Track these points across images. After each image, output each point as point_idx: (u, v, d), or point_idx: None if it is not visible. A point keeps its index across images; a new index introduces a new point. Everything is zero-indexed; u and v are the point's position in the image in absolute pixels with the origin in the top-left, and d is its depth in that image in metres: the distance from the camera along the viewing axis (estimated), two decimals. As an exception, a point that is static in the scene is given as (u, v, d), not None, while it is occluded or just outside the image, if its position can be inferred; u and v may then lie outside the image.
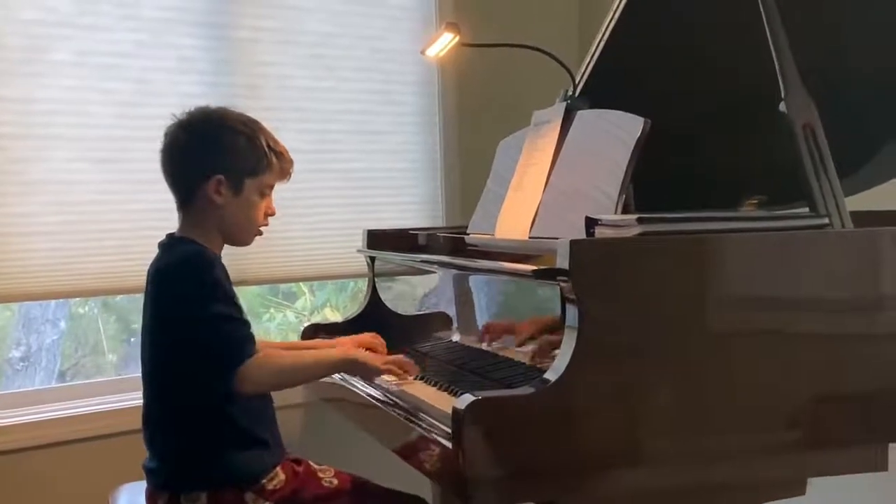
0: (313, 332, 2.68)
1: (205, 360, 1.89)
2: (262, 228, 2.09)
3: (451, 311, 2.39)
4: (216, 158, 2.00)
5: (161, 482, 1.96)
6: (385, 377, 2.11)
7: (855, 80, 2.17)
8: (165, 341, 1.96)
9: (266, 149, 2.03)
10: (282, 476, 1.98)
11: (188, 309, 1.91)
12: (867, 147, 2.21)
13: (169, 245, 2.04)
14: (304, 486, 2.01)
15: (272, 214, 2.09)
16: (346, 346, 2.22)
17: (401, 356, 2.14)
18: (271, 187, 2.07)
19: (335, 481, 2.06)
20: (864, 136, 2.19)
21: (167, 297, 1.96)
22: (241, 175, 2.00)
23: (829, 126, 1.89)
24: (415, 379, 2.11)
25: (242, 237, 2.08)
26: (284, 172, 2.08)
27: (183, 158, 2.02)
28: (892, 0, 2.15)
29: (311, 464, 2.08)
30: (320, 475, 2.06)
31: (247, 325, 1.96)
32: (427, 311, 2.57)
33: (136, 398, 2.71)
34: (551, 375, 1.60)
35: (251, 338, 1.94)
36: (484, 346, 2.19)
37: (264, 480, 1.95)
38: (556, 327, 1.71)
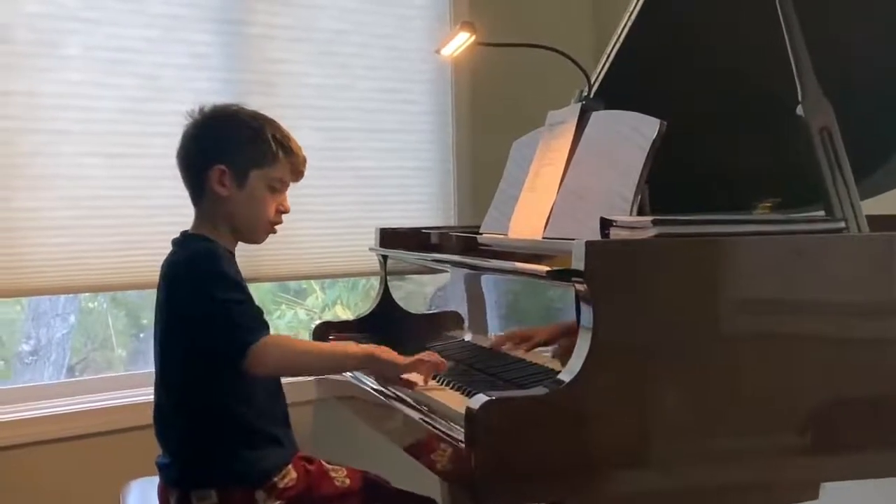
0: (324, 329, 2.67)
1: (216, 344, 1.88)
2: (276, 227, 2.08)
3: (464, 311, 2.39)
4: (219, 149, 1.99)
5: (172, 479, 1.96)
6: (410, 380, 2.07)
7: (865, 86, 2.16)
8: (176, 339, 1.96)
9: (272, 141, 2.01)
10: (293, 474, 1.97)
11: (197, 303, 1.90)
12: (880, 152, 2.21)
13: (180, 242, 2.04)
14: (316, 485, 2.00)
15: (286, 212, 2.07)
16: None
17: (429, 353, 2.07)
18: (282, 182, 2.05)
19: (347, 481, 2.05)
20: (877, 142, 2.18)
21: (177, 294, 1.96)
22: (245, 166, 1.99)
23: (843, 130, 1.89)
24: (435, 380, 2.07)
25: (252, 233, 2.06)
26: (294, 169, 2.06)
27: (190, 150, 2.03)
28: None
29: (324, 463, 2.07)
30: (332, 475, 2.05)
31: (258, 309, 1.95)
32: (439, 311, 2.57)
33: (145, 394, 2.72)
34: (565, 376, 1.59)
35: (263, 320, 1.93)
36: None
37: (276, 479, 1.94)
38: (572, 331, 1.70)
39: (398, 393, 2.04)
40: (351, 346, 2.11)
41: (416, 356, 2.04)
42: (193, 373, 1.92)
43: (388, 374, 2.08)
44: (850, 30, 2.14)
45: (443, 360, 2.04)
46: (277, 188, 2.04)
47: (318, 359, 2.05)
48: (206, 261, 1.94)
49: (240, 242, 2.07)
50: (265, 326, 1.92)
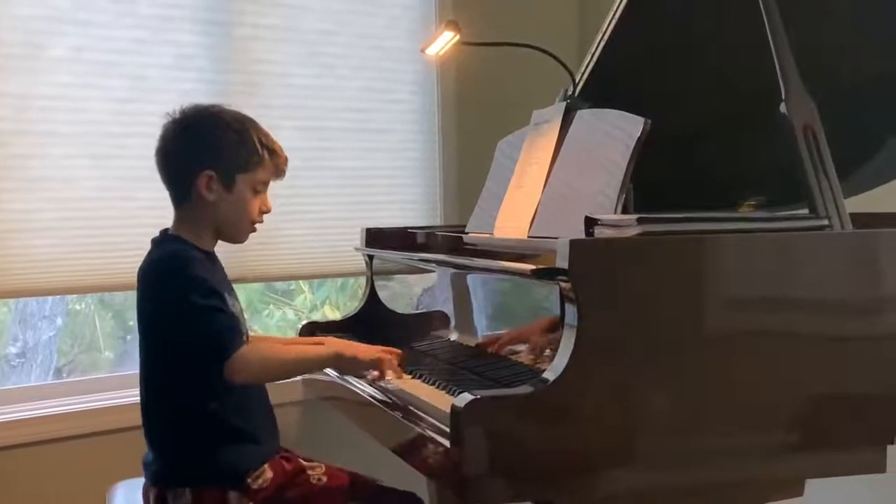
0: (310, 330, 2.67)
1: (191, 353, 1.89)
2: (257, 226, 2.08)
3: (449, 311, 2.39)
4: (206, 154, 1.99)
5: (152, 476, 1.97)
6: (375, 374, 2.08)
7: (848, 84, 2.17)
8: (152, 338, 1.98)
9: (258, 145, 2.01)
10: (269, 474, 1.97)
11: (168, 305, 1.91)
12: (864, 150, 2.22)
13: (157, 242, 2.05)
14: (290, 484, 1.99)
15: (268, 211, 2.08)
16: (333, 342, 2.18)
17: (388, 348, 2.08)
18: (265, 184, 2.06)
19: (324, 478, 2.04)
20: (860, 140, 2.19)
21: (149, 295, 1.97)
22: (231, 171, 2.00)
23: (826, 129, 1.89)
24: (406, 374, 2.09)
25: (236, 234, 2.08)
26: (278, 170, 2.07)
27: (174, 154, 2.02)
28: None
29: (301, 460, 2.06)
30: (309, 472, 2.03)
31: (230, 316, 1.94)
32: (425, 310, 2.57)
33: (132, 395, 2.70)
34: (550, 375, 1.60)
35: (235, 328, 1.94)
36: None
37: (249, 479, 1.94)
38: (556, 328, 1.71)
39: (384, 394, 2.04)
40: (319, 350, 2.11)
41: (378, 352, 2.04)
42: (171, 372, 1.94)
43: (352, 372, 2.14)
44: (834, 28, 2.14)
45: (398, 353, 2.07)
46: (260, 190, 2.05)
47: (288, 368, 2.07)
48: (176, 263, 1.94)
49: (220, 242, 2.08)
50: (239, 337, 1.93)
